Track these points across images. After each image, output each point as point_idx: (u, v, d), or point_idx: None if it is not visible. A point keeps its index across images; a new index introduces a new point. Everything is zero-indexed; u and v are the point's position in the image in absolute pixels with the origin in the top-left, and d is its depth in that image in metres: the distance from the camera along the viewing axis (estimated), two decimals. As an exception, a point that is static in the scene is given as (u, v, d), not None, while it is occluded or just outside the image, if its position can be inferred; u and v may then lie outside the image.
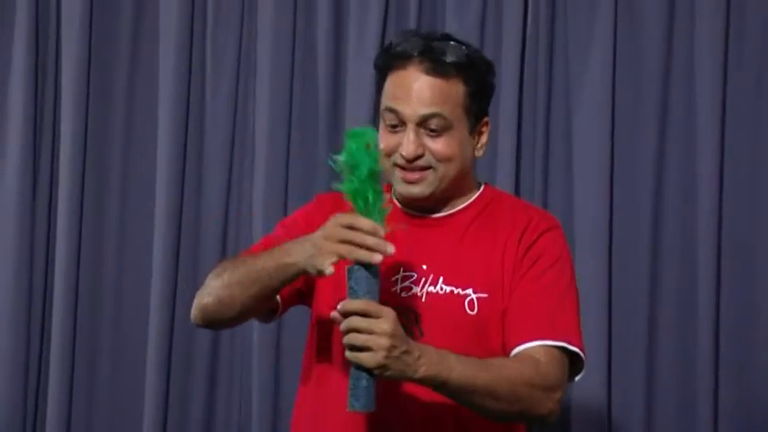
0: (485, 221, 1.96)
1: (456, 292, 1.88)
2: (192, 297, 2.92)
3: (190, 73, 3.00)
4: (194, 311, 1.97)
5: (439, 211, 1.96)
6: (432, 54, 1.88)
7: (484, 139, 1.97)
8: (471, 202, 1.98)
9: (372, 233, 1.70)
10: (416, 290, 1.89)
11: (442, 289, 1.89)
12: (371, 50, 2.79)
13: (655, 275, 2.81)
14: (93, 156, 3.03)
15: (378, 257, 1.69)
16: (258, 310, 1.92)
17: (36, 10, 3.03)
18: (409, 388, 1.85)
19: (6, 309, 3.00)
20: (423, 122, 1.88)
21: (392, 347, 1.68)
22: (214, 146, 3.00)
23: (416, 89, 1.87)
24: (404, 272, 1.90)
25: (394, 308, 1.72)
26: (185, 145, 2.99)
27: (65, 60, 3.02)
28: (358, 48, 2.91)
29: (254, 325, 2.82)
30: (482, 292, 1.87)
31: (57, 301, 2.99)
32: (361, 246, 1.69)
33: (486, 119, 1.97)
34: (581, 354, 1.88)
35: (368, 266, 1.70)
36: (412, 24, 2.88)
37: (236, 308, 1.89)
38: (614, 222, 2.81)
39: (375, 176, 1.73)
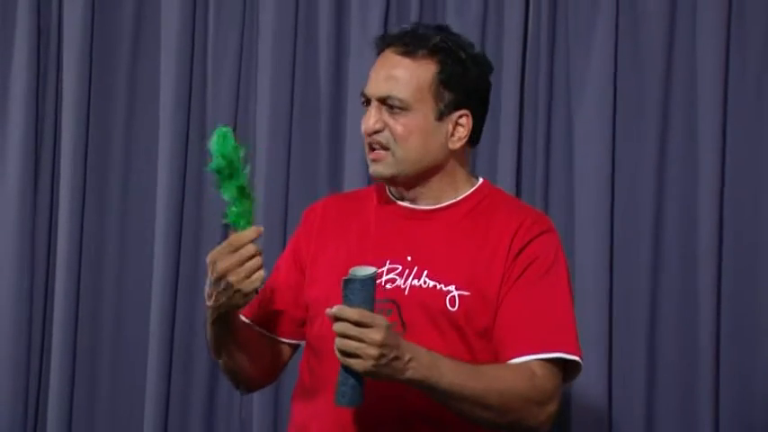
0: (476, 219, 1.95)
1: (439, 287, 1.88)
2: (193, 298, 2.96)
3: (191, 70, 2.99)
4: None
5: (428, 204, 1.96)
6: (410, 38, 1.92)
7: (461, 132, 1.95)
8: (464, 198, 1.98)
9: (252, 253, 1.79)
10: (400, 282, 1.90)
11: (425, 283, 1.89)
12: (373, 45, 2.77)
13: (656, 275, 2.78)
14: (95, 156, 3.02)
15: (257, 283, 1.78)
16: (260, 361, 2.02)
17: (38, 6, 3.02)
18: (399, 387, 1.85)
19: (8, 310, 2.99)
20: (383, 100, 1.91)
21: (381, 356, 1.70)
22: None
23: (382, 70, 1.92)
24: (390, 264, 1.91)
25: (378, 299, 1.74)
26: (187, 142, 2.99)
27: (66, 56, 3.02)
28: (360, 44, 2.89)
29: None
30: (464, 290, 1.87)
31: (58, 302, 2.99)
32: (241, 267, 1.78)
33: (463, 111, 1.94)
34: (579, 360, 1.89)
35: (362, 279, 1.71)
36: (413, 19, 2.87)
37: (243, 373, 2.03)
38: (615, 222, 2.79)
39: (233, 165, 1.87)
